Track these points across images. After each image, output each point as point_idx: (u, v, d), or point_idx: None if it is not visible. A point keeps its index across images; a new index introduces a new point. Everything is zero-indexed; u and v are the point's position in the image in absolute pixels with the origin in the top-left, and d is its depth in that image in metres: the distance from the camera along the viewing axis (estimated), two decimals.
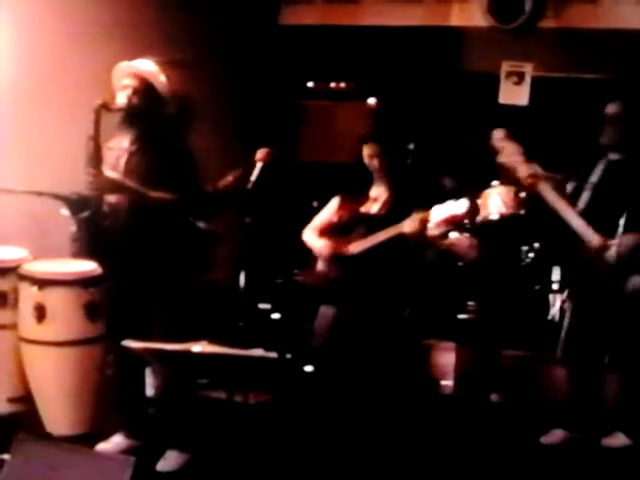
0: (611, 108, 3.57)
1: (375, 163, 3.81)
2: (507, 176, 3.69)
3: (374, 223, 3.78)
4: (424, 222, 3.60)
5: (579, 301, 3.68)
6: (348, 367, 3.72)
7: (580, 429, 3.63)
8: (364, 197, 3.89)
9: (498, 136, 3.67)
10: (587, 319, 3.59)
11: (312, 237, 3.95)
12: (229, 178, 3.94)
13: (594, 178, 3.57)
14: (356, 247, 3.79)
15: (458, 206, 3.57)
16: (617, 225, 3.41)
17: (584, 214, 3.49)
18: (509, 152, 3.60)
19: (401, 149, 4.03)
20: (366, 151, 3.83)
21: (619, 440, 3.58)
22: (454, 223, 3.67)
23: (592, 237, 3.44)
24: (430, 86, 5.14)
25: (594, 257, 3.44)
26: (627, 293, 3.42)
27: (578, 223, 3.46)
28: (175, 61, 3.65)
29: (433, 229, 3.63)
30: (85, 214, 3.29)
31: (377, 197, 3.86)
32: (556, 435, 3.67)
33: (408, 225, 3.61)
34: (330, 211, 4.00)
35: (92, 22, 4.06)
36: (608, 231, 3.43)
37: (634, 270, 3.40)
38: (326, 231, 3.95)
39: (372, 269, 3.73)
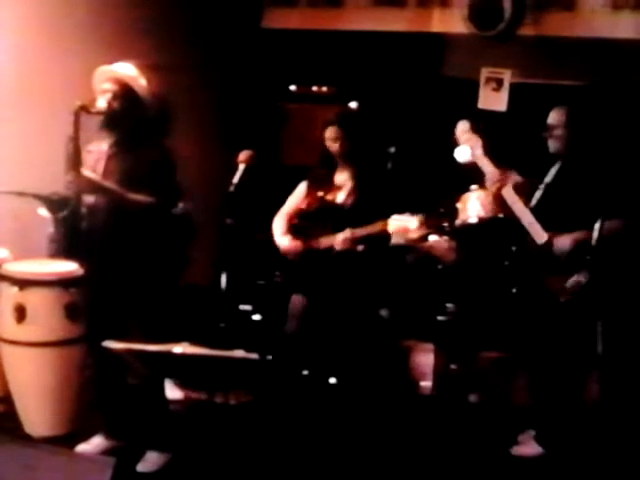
0: (553, 117, 3.48)
1: (336, 147, 3.81)
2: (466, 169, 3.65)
3: (340, 214, 3.79)
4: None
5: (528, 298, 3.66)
6: (320, 357, 3.74)
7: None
8: (330, 183, 3.88)
9: (462, 128, 3.60)
10: (534, 316, 3.54)
11: (279, 233, 3.94)
12: None
13: (548, 178, 3.55)
14: (324, 242, 3.79)
15: (411, 222, 3.56)
16: (565, 223, 3.37)
17: (534, 211, 3.46)
18: (470, 145, 3.55)
19: (364, 136, 3.90)
20: (328, 134, 3.82)
21: (532, 449, 3.49)
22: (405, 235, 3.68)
23: (539, 234, 3.40)
24: (410, 91, 5.19)
25: (539, 254, 3.41)
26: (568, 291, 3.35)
27: (527, 219, 3.43)
28: (156, 65, 3.65)
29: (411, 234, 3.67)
30: (63, 214, 3.30)
31: (342, 184, 3.87)
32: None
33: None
34: (298, 197, 3.99)
35: (74, 24, 4.06)
36: (557, 229, 3.40)
37: (575, 269, 3.33)
38: (295, 218, 3.95)
39: (342, 264, 3.73)
